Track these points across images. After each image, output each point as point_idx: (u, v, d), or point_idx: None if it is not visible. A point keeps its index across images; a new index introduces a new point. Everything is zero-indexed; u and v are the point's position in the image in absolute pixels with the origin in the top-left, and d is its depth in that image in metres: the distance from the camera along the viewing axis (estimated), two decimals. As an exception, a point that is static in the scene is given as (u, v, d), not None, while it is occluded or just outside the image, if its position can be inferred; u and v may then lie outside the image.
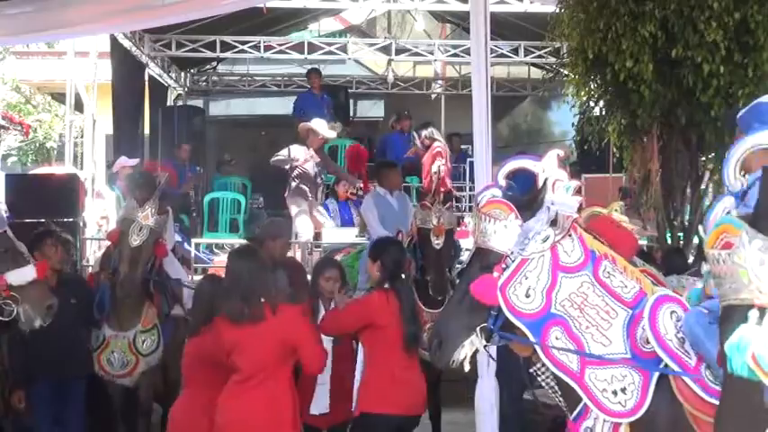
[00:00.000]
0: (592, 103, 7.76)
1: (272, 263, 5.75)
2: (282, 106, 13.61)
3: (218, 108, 16.09)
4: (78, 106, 12.29)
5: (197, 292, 5.04)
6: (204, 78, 15.96)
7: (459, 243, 6.78)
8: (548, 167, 3.27)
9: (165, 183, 6.17)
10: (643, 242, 7.95)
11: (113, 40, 11.62)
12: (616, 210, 3.52)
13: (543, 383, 3.40)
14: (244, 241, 8.10)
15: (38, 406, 5.52)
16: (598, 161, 9.48)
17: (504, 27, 12.57)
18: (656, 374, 3.13)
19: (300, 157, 9.62)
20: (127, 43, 11.99)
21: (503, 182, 3.40)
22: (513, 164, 3.50)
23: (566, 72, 9.09)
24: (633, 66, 6.60)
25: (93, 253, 9.21)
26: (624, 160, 7.69)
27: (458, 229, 6.95)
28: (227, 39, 13.10)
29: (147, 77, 13.18)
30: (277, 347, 4.30)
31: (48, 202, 7.86)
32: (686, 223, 7.47)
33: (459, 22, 13.88)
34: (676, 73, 6.68)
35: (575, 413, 3.25)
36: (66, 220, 8.19)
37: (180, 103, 15.09)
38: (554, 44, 10.39)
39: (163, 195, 5.98)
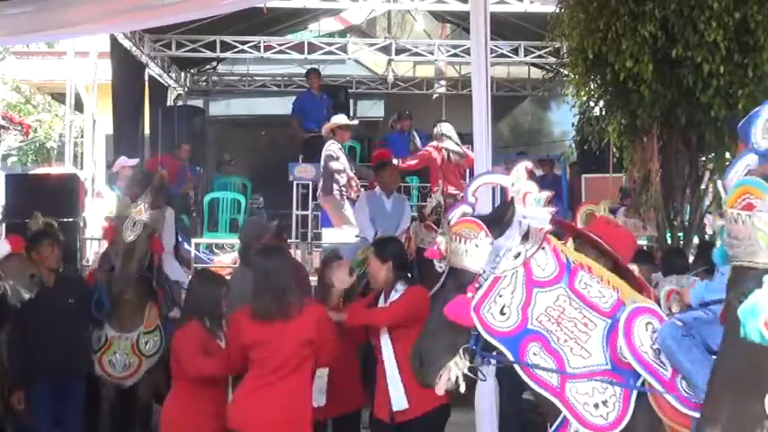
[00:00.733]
0: (592, 103, 7.75)
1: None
2: (282, 106, 13.61)
3: (218, 108, 16.09)
4: (78, 106, 12.30)
5: (189, 287, 5.10)
6: (204, 78, 15.97)
7: None
8: (517, 181, 3.21)
9: (158, 178, 6.14)
10: (643, 242, 7.95)
11: (113, 40, 11.63)
12: (604, 208, 3.50)
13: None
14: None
15: (38, 406, 5.51)
16: (598, 161, 9.47)
17: (504, 27, 12.57)
18: (638, 384, 3.11)
19: (341, 154, 9.62)
20: (127, 43, 11.99)
21: (472, 198, 3.35)
22: (482, 179, 3.48)
23: (566, 72, 9.08)
24: (633, 66, 6.59)
25: (93, 253, 9.22)
26: (624, 160, 7.68)
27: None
28: (227, 39, 13.11)
29: (147, 77, 13.19)
30: (302, 345, 4.39)
31: (48, 202, 7.84)
32: (686, 223, 7.46)
33: (460, 22, 13.88)
34: (676, 73, 6.67)
35: (554, 426, 3.23)
36: (66, 220, 8.19)
37: (180, 103, 15.10)
38: (554, 44, 10.39)
39: (159, 190, 5.96)
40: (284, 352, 4.36)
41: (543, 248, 3.20)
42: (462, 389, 3.29)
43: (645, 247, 7.81)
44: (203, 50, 13.28)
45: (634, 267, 3.86)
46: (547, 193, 3.24)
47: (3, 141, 17.62)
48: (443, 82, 16.33)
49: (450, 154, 9.62)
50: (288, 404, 4.35)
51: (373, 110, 16.12)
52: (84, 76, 12.18)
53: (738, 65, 6.50)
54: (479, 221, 3.21)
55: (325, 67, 13.69)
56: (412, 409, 4.78)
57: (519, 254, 3.16)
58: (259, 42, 13.31)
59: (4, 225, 8.49)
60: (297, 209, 10.50)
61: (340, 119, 9.95)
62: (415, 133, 11.82)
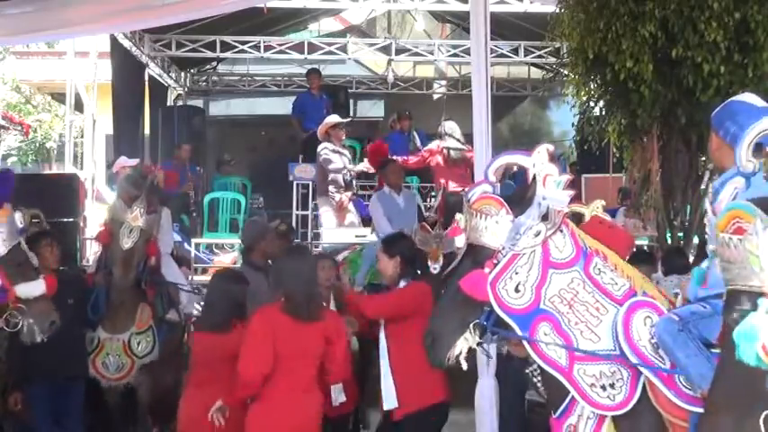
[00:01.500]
0: (592, 103, 7.75)
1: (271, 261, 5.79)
2: (282, 106, 13.61)
3: (218, 108, 16.09)
4: (78, 106, 12.29)
5: (226, 290, 4.96)
6: (204, 78, 15.97)
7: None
8: (538, 162, 3.25)
9: (150, 180, 6.12)
10: (643, 242, 7.95)
11: (113, 40, 11.62)
12: (597, 208, 3.51)
13: (539, 383, 3.40)
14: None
15: (38, 407, 5.50)
16: (598, 161, 9.47)
17: (504, 27, 12.57)
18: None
19: (335, 156, 9.65)
20: (127, 43, 12.00)
21: (492, 177, 3.38)
22: (504, 159, 3.49)
23: (566, 72, 9.09)
24: (633, 66, 6.59)
25: (93, 253, 9.21)
26: (624, 160, 7.69)
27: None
28: (227, 39, 13.11)
29: (147, 77, 13.19)
30: (321, 346, 4.46)
31: (48, 202, 7.84)
32: (686, 223, 7.46)
33: (460, 22, 13.88)
34: (676, 73, 6.67)
35: (559, 410, 3.25)
36: (66, 220, 8.19)
37: (180, 103, 15.09)
38: (554, 44, 10.41)
39: (151, 192, 5.95)
40: (309, 353, 4.43)
41: (561, 231, 3.24)
42: (465, 366, 3.30)
43: (645, 247, 7.81)
44: (203, 50, 13.28)
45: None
46: (567, 176, 3.28)
47: (3, 141, 17.62)
48: (444, 82, 16.33)
49: (451, 151, 9.46)
50: (305, 408, 4.41)
51: (373, 110, 16.11)
52: (84, 76, 12.17)
53: (738, 65, 6.51)
54: (500, 199, 3.23)
55: (325, 67, 13.69)
56: (404, 406, 4.79)
57: (539, 232, 3.20)
58: (259, 42, 13.30)
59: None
60: (297, 209, 10.50)
61: (332, 119, 9.95)
62: (416, 133, 11.82)
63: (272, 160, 13.43)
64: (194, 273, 9.22)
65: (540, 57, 13.43)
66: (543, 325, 3.20)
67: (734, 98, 3.44)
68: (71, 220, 8.74)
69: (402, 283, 4.95)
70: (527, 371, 3.36)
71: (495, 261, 3.20)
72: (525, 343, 3.23)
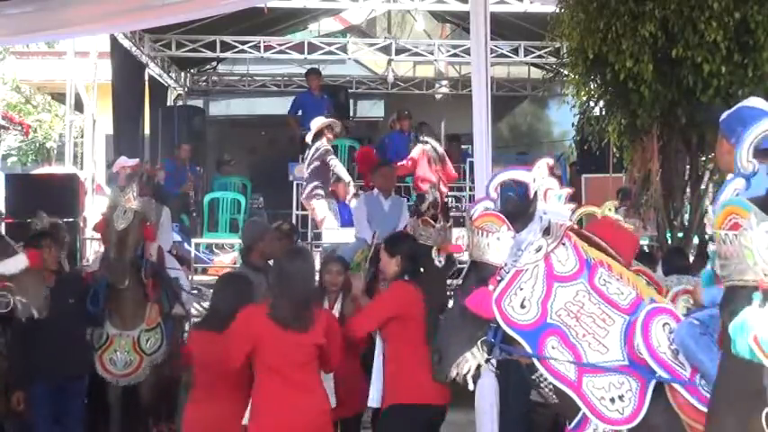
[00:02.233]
0: (592, 103, 7.76)
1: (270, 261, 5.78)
2: (282, 106, 13.59)
3: (218, 108, 16.08)
4: (78, 106, 12.30)
5: (231, 295, 4.82)
6: (204, 78, 15.96)
7: (455, 258, 6.77)
8: (539, 177, 3.25)
9: (144, 171, 6.14)
10: (643, 242, 7.96)
11: (113, 40, 11.63)
12: (609, 209, 3.51)
13: (546, 389, 3.40)
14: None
15: (38, 406, 5.50)
16: (598, 161, 9.48)
17: (504, 27, 12.57)
18: (653, 382, 3.13)
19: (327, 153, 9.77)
20: (127, 43, 12.00)
21: (493, 193, 3.39)
22: (504, 175, 3.51)
23: (566, 72, 9.09)
24: (633, 66, 6.60)
25: (93, 252, 9.22)
26: (624, 160, 7.70)
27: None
28: (227, 39, 13.11)
29: (147, 77, 13.19)
30: (310, 353, 4.33)
31: (48, 202, 7.85)
32: (686, 223, 7.47)
33: (460, 22, 13.88)
34: (676, 73, 6.68)
35: (574, 422, 3.25)
36: (66, 220, 8.19)
37: (180, 103, 15.09)
38: (554, 44, 10.41)
39: (144, 182, 5.96)
40: (296, 361, 4.30)
41: (564, 244, 3.24)
42: (471, 386, 3.31)
43: (645, 247, 7.82)
44: (203, 50, 13.28)
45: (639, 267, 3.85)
46: (567, 190, 3.29)
47: (3, 141, 17.62)
48: (444, 82, 16.33)
49: (432, 153, 10.26)
50: (309, 407, 4.31)
51: (373, 110, 16.11)
52: (84, 76, 12.17)
53: (738, 65, 6.51)
54: (501, 215, 3.24)
55: (325, 67, 13.68)
56: (389, 398, 4.81)
57: (540, 247, 3.19)
58: (259, 42, 13.30)
59: (3, 225, 8.48)
60: (297, 209, 10.51)
61: (320, 120, 9.99)
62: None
63: (272, 160, 13.44)
64: (194, 273, 9.23)
65: (539, 57, 13.43)
66: (551, 339, 3.19)
67: (743, 103, 3.44)
68: (71, 220, 8.73)
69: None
70: (533, 377, 3.35)
71: (498, 278, 3.20)
72: (535, 360, 3.22)
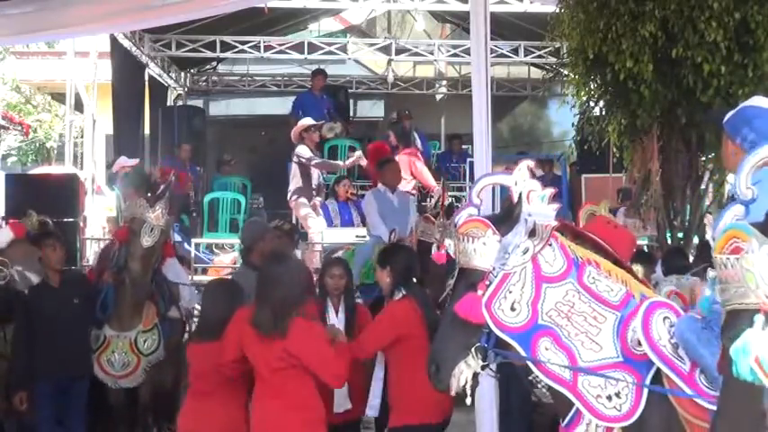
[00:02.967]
0: (592, 103, 7.76)
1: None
2: (282, 106, 13.62)
3: (218, 108, 16.08)
4: (78, 106, 12.31)
5: (219, 301, 4.79)
6: (204, 78, 15.96)
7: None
8: (520, 180, 3.25)
9: (170, 185, 6.13)
10: (643, 242, 7.96)
11: (113, 40, 11.63)
12: (604, 209, 3.51)
13: (542, 389, 3.40)
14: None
15: (40, 406, 5.49)
16: (598, 161, 9.49)
17: (504, 27, 12.58)
18: (650, 376, 3.13)
19: (306, 155, 9.81)
20: (127, 43, 12.00)
21: (476, 200, 3.38)
22: (486, 180, 3.51)
23: (566, 72, 9.10)
24: (633, 66, 6.60)
25: (93, 252, 9.23)
26: (624, 160, 7.70)
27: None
28: (227, 39, 13.12)
29: (147, 77, 13.19)
30: (283, 360, 4.24)
31: (48, 202, 7.85)
32: (686, 223, 7.47)
33: (460, 22, 13.88)
34: (676, 73, 6.68)
35: (567, 419, 3.25)
36: (66, 220, 8.20)
37: (180, 103, 15.09)
38: (554, 44, 10.41)
39: (171, 198, 5.97)
40: (270, 366, 4.24)
41: (550, 244, 3.23)
42: (468, 400, 3.30)
43: (645, 247, 7.82)
44: (203, 50, 13.29)
45: (638, 268, 3.86)
46: (551, 190, 3.28)
47: (3, 141, 17.64)
48: (444, 82, 16.33)
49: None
50: (296, 411, 4.26)
51: (373, 110, 16.12)
52: (84, 76, 12.18)
53: (738, 65, 6.51)
54: (486, 220, 3.24)
55: (325, 67, 13.67)
56: (394, 419, 4.79)
57: (527, 249, 3.20)
58: (259, 42, 13.31)
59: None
60: (297, 209, 10.49)
61: (305, 121, 10.08)
62: (416, 134, 11.83)
63: (272, 160, 13.42)
64: (194, 273, 9.22)
65: (539, 57, 13.43)
66: (544, 340, 3.19)
67: (745, 104, 3.44)
68: (71, 220, 8.74)
69: (397, 294, 4.92)
70: (530, 378, 3.34)
71: (486, 282, 3.19)
72: (529, 363, 3.22)
